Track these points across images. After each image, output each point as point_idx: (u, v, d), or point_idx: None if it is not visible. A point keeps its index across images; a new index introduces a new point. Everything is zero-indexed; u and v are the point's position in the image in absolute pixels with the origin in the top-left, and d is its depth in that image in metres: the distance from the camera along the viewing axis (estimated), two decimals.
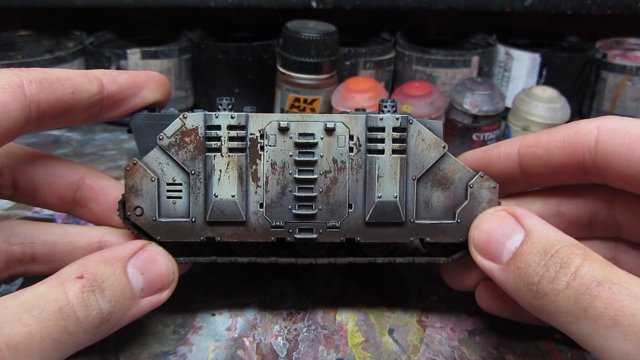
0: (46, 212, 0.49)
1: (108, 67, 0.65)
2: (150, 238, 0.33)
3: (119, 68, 0.65)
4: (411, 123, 0.33)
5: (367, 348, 0.35)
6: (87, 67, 0.67)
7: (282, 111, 0.61)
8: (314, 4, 0.64)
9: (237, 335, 0.36)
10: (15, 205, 0.50)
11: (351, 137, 0.33)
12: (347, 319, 0.38)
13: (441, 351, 0.35)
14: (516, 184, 0.35)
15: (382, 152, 0.33)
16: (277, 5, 0.64)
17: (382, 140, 0.33)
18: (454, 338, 0.36)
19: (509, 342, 0.36)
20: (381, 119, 0.33)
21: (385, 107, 0.33)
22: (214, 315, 0.38)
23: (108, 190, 0.35)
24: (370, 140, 0.33)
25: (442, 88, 0.66)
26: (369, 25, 0.75)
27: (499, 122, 0.59)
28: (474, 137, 0.59)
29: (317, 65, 0.58)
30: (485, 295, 0.35)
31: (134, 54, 0.64)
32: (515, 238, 0.29)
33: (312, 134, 0.33)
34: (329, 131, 0.33)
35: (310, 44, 0.57)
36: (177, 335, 0.36)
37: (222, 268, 0.42)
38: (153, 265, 0.31)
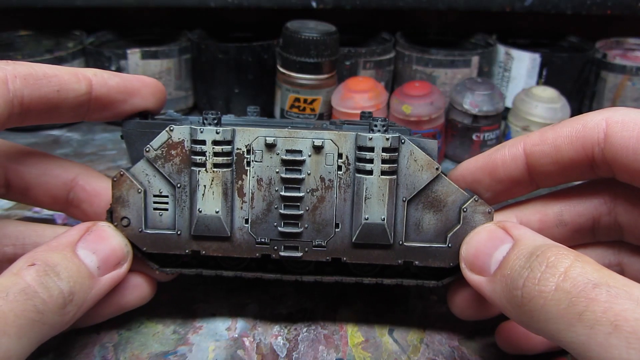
0: (46, 212, 0.49)
1: (108, 67, 0.65)
2: (137, 249, 0.33)
3: (118, 68, 0.65)
4: (403, 143, 0.32)
5: (367, 348, 0.35)
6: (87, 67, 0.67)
7: (282, 111, 0.61)
8: (314, 4, 0.64)
9: (237, 335, 0.36)
10: (16, 205, 0.50)
11: (340, 156, 0.32)
12: (347, 319, 0.38)
13: (441, 351, 0.35)
14: (523, 187, 0.33)
15: (370, 172, 0.31)
16: (277, 5, 0.64)
17: (370, 161, 0.31)
18: (454, 338, 0.36)
19: None
20: (370, 139, 0.31)
21: (376, 126, 0.31)
22: (214, 315, 0.38)
23: (100, 192, 0.34)
24: (359, 159, 0.32)
25: (442, 88, 0.66)
26: (369, 25, 0.75)
27: (499, 122, 0.59)
28: (474, 137, 0.59)
29: (317, 65, 0.58)
30: (505, 338, 0.34)
31: (134, 54, 0.64)
32: (503, 248, 0.28)
33: (300, 151, 0.32)
34: (317, 149, 0.32)
35: (310, 44, 0.57)
36: (177, 335, 0.36)
37: None
38: (103, 244, 0.31)
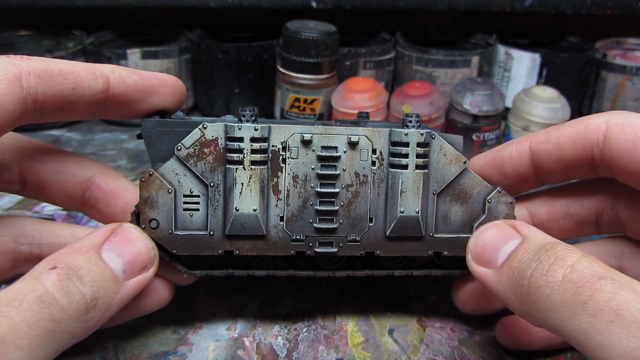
0: (46, 212, 0.49)
1: None
2: (166, 251, 0.32)
3: None
4: (434, 138, 0.33)
5: (367, 348, 0.35)
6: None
7: (282, 111, 0.61)
8: (314, 4, 0.64)
9: (237, 335, 0.36)
10: (16, 205, 0.50)
11: (374, 151, 0.32)
12: (347, 319, 0.38)
13: (441, 351, 0.35)
14: (528, 183, 0.35)
15: (405, 167, 0.32)
16: (277, 5, 0.64)
17: (406, 156, 0.32)
18: (454, 338, 0.36)
19: None
20: (406, 134, 0.32)
21: (410, 122, 0.32)
22: (214, 315, 0.38)
23: (117, 192, 0.34)
24: (393, 154, 0.32)
25: (442, 88, 0.66)
26: (369, 25, 0.75)
27: (499, 122, 0.59)
28: (474, 137, 0.59)
29: (317, 65, 0.58)
30: (505, 332, 0.35)
31: (134, 54, 0.64)
32: (512, 243, 0.29)
33: (335, 147, 0.32)
34: (352, 145, 0.32)
35: (310, 44, 0.57)
36: (177, 335, 0.36)
37: None
38: (129, 246, 0.30)
